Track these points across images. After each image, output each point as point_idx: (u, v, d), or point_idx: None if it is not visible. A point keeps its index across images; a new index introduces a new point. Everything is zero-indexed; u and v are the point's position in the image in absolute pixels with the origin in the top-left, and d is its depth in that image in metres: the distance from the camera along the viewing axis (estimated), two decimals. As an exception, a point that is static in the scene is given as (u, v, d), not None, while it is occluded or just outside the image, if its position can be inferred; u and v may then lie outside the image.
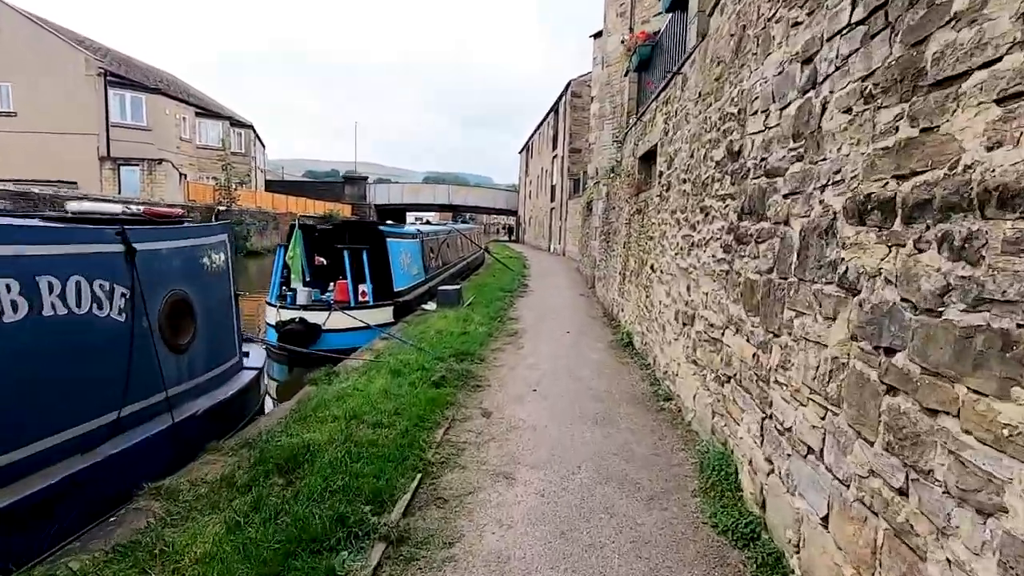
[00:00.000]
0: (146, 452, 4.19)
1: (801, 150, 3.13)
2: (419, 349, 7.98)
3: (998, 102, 1.66)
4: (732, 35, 4.68)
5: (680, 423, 5.42)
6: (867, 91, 2.42)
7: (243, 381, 5.89)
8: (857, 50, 2.53)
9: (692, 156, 5.84)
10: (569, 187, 29.74)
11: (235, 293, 5.99)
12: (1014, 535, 1.52)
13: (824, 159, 2.83)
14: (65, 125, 28.85)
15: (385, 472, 4.06)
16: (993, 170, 1.66)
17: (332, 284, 11.24)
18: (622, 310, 10.27)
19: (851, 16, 2.59)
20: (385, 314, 11.08)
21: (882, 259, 2.22)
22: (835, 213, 2.66)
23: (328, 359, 8.18)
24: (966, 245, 1.75)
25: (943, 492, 1.80)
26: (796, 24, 3.29)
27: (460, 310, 11.44)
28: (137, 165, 29.69)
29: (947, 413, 1.80)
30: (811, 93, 3.04)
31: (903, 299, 2.06)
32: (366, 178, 55.81)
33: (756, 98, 3.99)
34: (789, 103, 3.35)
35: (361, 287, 11.00)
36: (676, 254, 6.28)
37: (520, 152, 55.48)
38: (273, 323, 10.12)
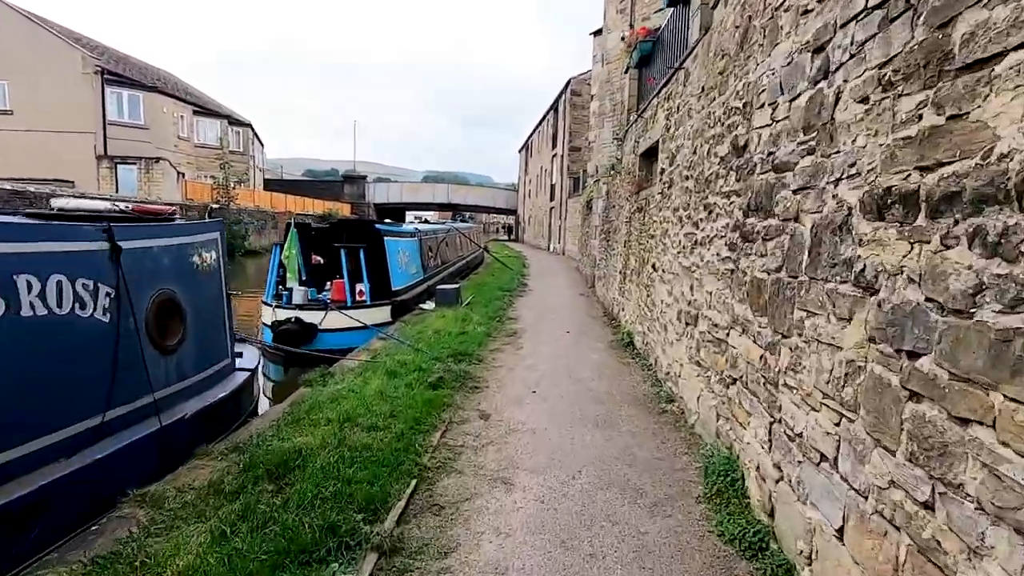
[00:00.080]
0: (132, 457, 4.05)
1: (812, 143, 2.99)
2: (416, 349, 7.84)
3: (1038, 84, 1.53)
4: (737, 27, 4.54)
5: (683, 426, 5.28)
6: (886, 78, 2.29)
7: (235, 383, 5.75)
8: (874, 36, 2.39)
9: (695, 152, 5.70)
10: (569, 186, 29.59)
11: (227, 293, 5.85)
12: (1059, 558, 1.38)
13: (837, 152, 2.69)
14: (62, 124, 28.66)
15: (379, 478, 3.92)
16: (1033, 159, 1.52)
17: (329, 283, 11.10)
18: (623, 309, 10.13)
19: (867, 0, 2.45)
20: (382, 314, 10.94)
21: (904, 256, 2.08)
22: (850, 208, 2.53)
23: (324, 359, 8.04)
24: (1002, 240, 1.61)
25: (976, 508, 1.66)
26: (806, 12, 3.15)
27: (459, 310, 11.30)
28: (134, 164, 29.48)
29: (980, 423, 1.66)
30: (823, 83, 2.91)
31: (928, 299, 1.93)
32: (365, 177, 55.69)
33: (763, 91, 3.85)
34: (799, 94, 3.22)
35: (358, 286, 10.86)
36: (678, 252, 6.14)
37: (519, 151, 55.31)
38: (269, 323, 9.98)
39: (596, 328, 10.36)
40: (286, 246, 10.59)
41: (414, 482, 3.99)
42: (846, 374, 2.47)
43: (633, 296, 9.03)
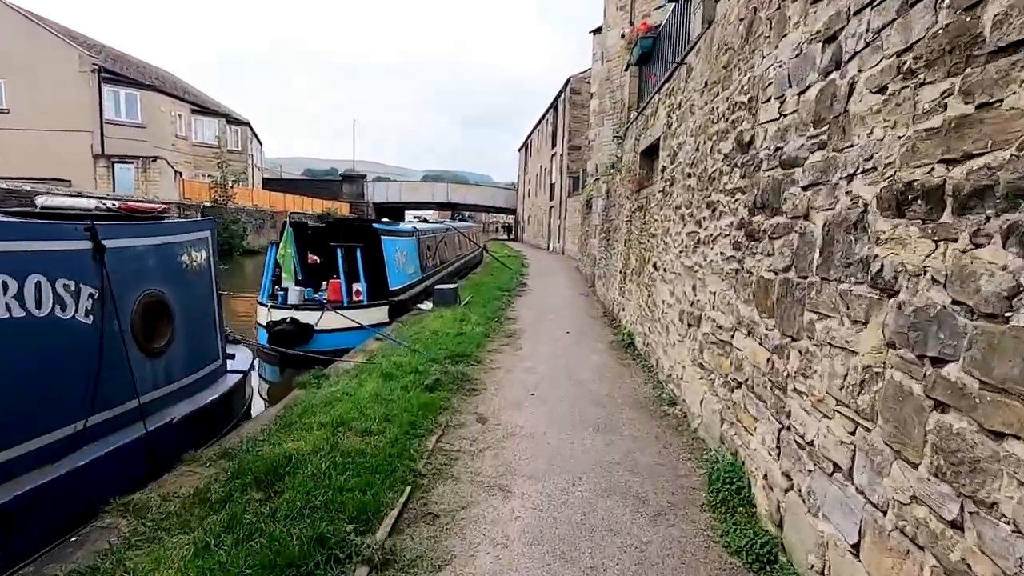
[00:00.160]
0: (116, 463, 3.91)
1: (823, 137, 2.85)
2: (413, 351, 7.70)
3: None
4: (742, 19, 4.41)
5: (686, 430, 5.14)
6: (905, 67, 2.15)
7: (227, 385, 5.61)
8: (892, 21, 2.25)
9: (698, 149, 5.56)
10: (568, 185, 29.45)
11: (218, 293, 5.71)
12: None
13: (851, 145, 2.56)
14: (59, 122, 28.48)
15: (372, 485, 3.78)
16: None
17: (326, 283, 10.96)
18: (623, 310, 10.00)
19: (885, -16, 2.31)
20: (380, 314, 10.80)
21: (927, 256, 1.94)
22: (866, 205, 2.39)
23: (319, 360, 7.90)
24: (1043, 238, 1.47)
25: (1012, 531, 1.52)
26: (816, 0, 3.01)
27: (457, 310, 11.16)
28: (132, 163, 29.30)
29: (1017, 437, 1.53)
30: (835, 74, 2.77)
31: (955, 302, 1.79)
32: (364, 176, 55.49)
33: (769, 84, 3.71)
34: (808, 87, 3.08)
35: (355, 286, 10.72)
36: (680, 252, 6.00)
37: (519, 150, 55.15)
38: (264, 323, 9.84)
39: (596, 328, 10.23)
40: (282, 245, 10.45)
41: (408, 489, 3.85)
42: (862, 380, 2.33)
43: (634, 296, 8.90)
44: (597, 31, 20.02)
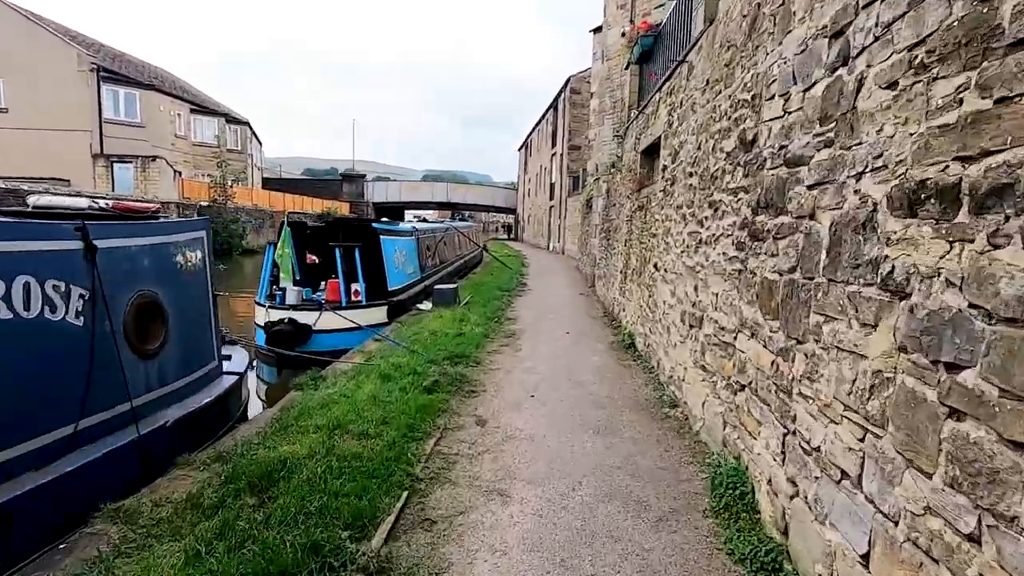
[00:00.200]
0: (107, 468, 3.84)
1: (830, 134, 2.78)
2: (412, 351, 7.63)
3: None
4: (745, 16, 4.33)
5: (687, 432, 5.07)
6: (917, 61, 2.07)
7: (222, 387, 5.54)
8: (903, 15, 2.17)
9: (699, 148, 5.49)
10: (568, 184, 29.37)
11: (214, 293, 5.63)
12: None
13: (859, 143, 2.48)
14: (58, 122, 28.40)
15: (368, 490, 3.71)
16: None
17: (324, 283, 10.88)
18: (623, 310, 9.92)
19: (896, -24, 2.24)
20: (378, 314, 10.72)
21: (941, 257, 1.87)
22: (875, 204, 2.31)
23: (317, 361, 7.83)
24: (1068, 239, 1.40)
25: (1035, 546, 1.45)
26: (823, -6, 2.94)
27: (456, 310, 11.09)
28: (131, 162, 29.21)
29: (1040, 448, 1.45)
30: (842, 70, 2.69)
31: (972, 305, 1.71)
32: (364, 176, 55.43)
33: (773, 81, 3.64)
34: (814, 83, 3.00)
35: (354, 286, 10.64)
36: (682, 252, 5.93)
37: (519, 150, 55.06)
38: (262, 323, 9.76)
39: (596, 329, 10.15)
40: (279, 245, 10.38)
41: (405, 494, 3.78)
42: (872, 385, 2.26)
43: (634, 296, 8.83)
44: (597, 30, 19.95)
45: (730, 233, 4.38)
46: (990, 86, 1.70)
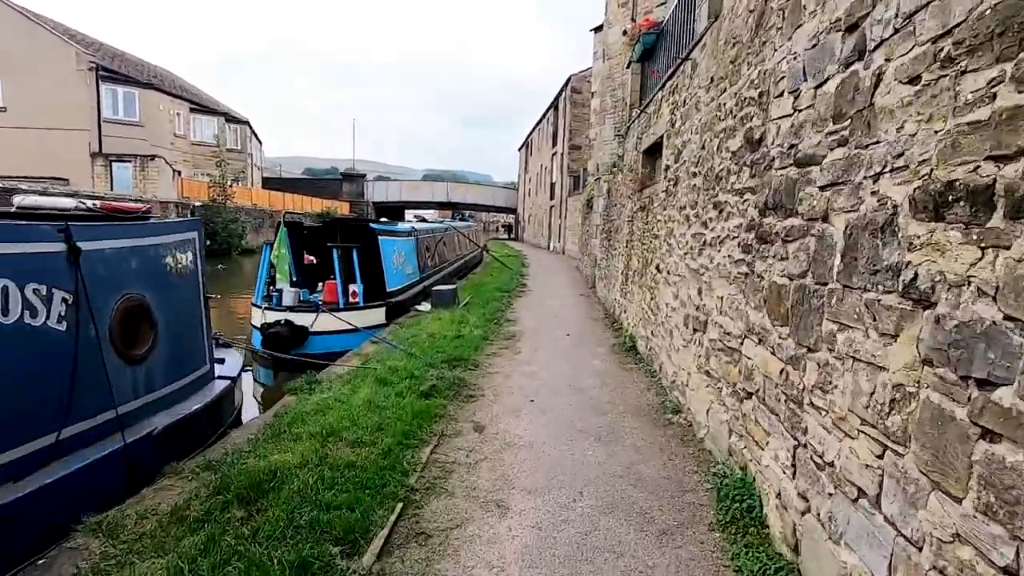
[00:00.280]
0: (90, 478, 3.70)
1: (844, 133, 2.64)
2: (409, 354, 7.50)
3: None
4: (751, 11, 4.20)
5: (691, 440, 4.93)
6: (943, 54, 1.93)
7: (214, 392, 5.40)
8: (927, 4, 2.04)
9: (703, 147, 5.35)
10: (569, 184, 29.23)
11: (205, 296, 5.49)
12: None
13: (877, 142, 2.34)
14: (56, 121, 28.25)
15: (361, 502, 3.58)
16: None
17: (321, 284, 10.75)
18: (624, 311, 9.79)
19: (918, -36, 2.10)
20: (376, 315, 10.59)
21: (972, 265, 1.73)
22: (895, 206, 2.18)
23: (312, 364, 7.69)
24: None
25: (1085, 587, 1.31)
26: (836, -14, 2.80)
27: (455, 311, 10.95)
28: (130, 161, 29.07)
29: (1090, 478, 1.32)
30: (858, 65, 2.56)
31: (1008, 317, 1.58)
32: (364, 175, 55.32)
33: (782, 78, 3.50)
34: (827, 79, 2.87)
35: (351, 287, 10.51)
36: (685, 253, 5.79)
37: (519, 149, 54.90)
38: (258, 325, 9.63)
39: (597, 331, 10.02)
40: (275, 245, 10.24)
41: (399, 506, 3.64)
42: (892, 400, 2.12)
43: (636, 298, 8.69)
44: (598, 29, 19.79)
45: (736, 235, 4.24)
46: (1028, 79, 1.56)
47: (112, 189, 27.54)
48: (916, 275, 2.01)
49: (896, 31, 2.24)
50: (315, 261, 11.11)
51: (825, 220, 2.79)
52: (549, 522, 3.57)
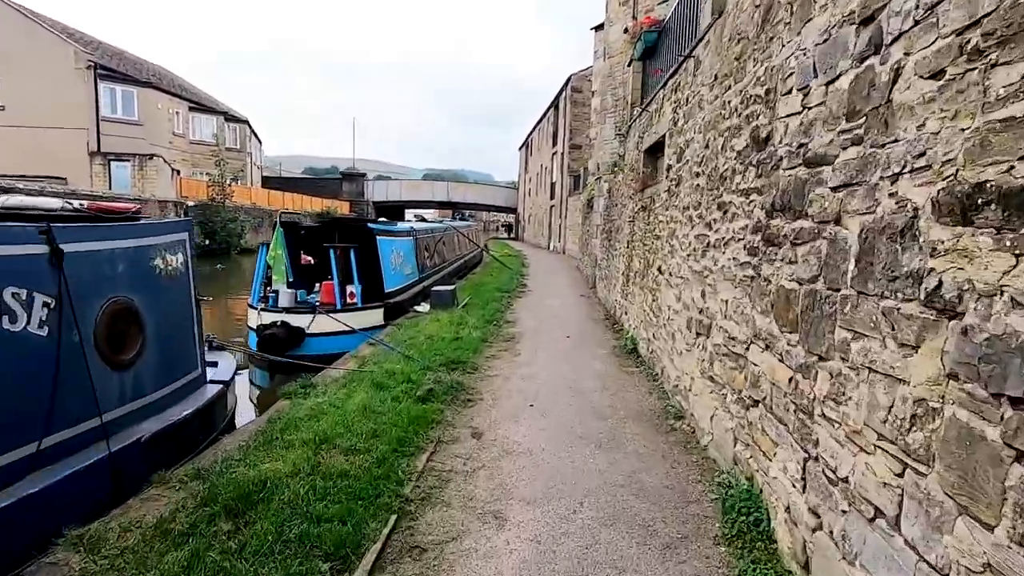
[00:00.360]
0: (74, 489, 3.58)
1: (859, 131, 2.51)
2: (407, 357, 7.37)
3: None
4: (757, 6, 4.06)
5: (695, 447, 4.80)
6: (970, 46, 1.81)
7: (205, 397, 5.27)
8: (952, -7, 1.91)
9: (707, 146, 5.22)
10: (569, 184, 29.09)
11: (197, 298, 5.36)
12: None
13: (895, 140, 2.21)
14: (54, 119, 28.11)
15: (353, 514, 3.45)
16: None
17: (318, 285, 10.62)
18: (625, 313, 9.66)
19: (941, -50, 1.97)
20: (374, 317, 10.47)
21: (1005, 273, 1.60)
22: (916, 209, 2.05)
23: (307, 367, 7.56)
24: None
25: None
26: (850, -23, 2.67)
27: (454, 312, 10.82)
28: (128, 160, 28.92)
29: None
30: (873, 59, 2.42)
31: (1048, 331, 1.45)
32: (364, 175, 55.20)
33: (790, 74, 3.37)
34: (839, 75, 2.74)
35: (349, 288, 10.38)
36: (688, 255, 5.66)
37: (520, 149, 54.76)
38: (254, 327, 9.50)
39: (598, 332, 9.89)
40: (272, 246, 10.11)
41: (393, 518, 3.51)
42: (913, 415, 1.99)
43: (637, 300, 8.56)
44: (599, 27, 19.67)
45: (741, 237, 4.11)
46: (1070, 72, 1.43)
47: (110, 188, 27.42)
48: (940, 283, 1.88)
49: (916, 23, 2.11)
50: (312, 261, 10.97)
51: (838, 223, 2.66)
52: (548, 535, 3.45)
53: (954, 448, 1.77)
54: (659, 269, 7.04)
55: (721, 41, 4.94)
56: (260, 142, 49.28)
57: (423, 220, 24.92)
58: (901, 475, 2.06)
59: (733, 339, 4.19)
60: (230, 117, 40.84)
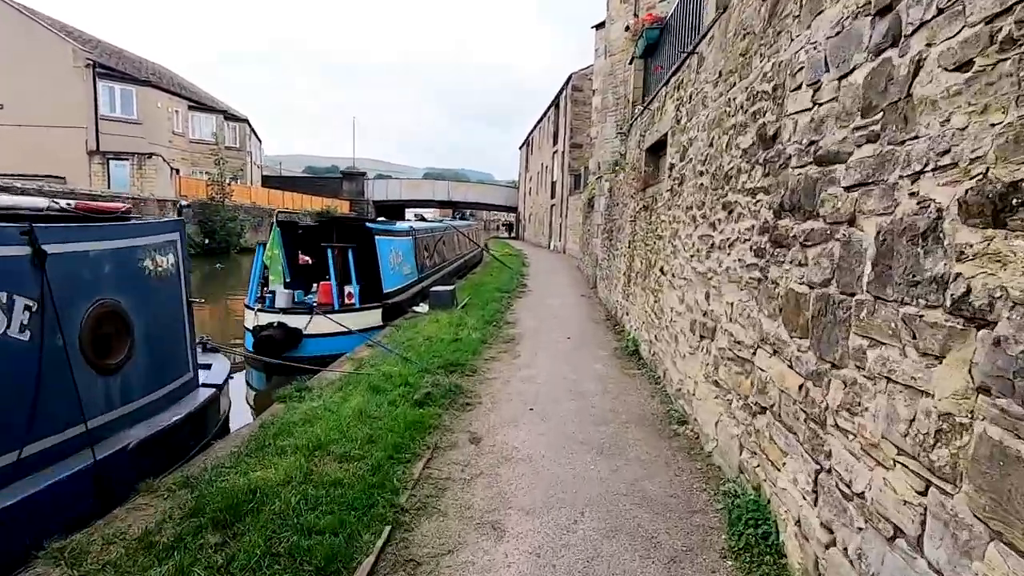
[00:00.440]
0: (57, 498, 3.45)
1: (875, 127, 2.38)
2: (404, 359, 7.24)
3: None
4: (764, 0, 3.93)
5: (699, 454, 4.68)
6: (1003, 34, 1.68)
7: (197, 401, 5.15)
8: (980, -21, 1.78)
9: (711, 145, 5.09)
10: (570, 183, 28.96)
11: (189, 300, 5.24)
12: None
13: (916, 137, 2.09)
14: (53, 118, 27.99)
15: (346, 525, 3.33)
16: None
17: (316, 285, 10.50)
18: (627, 314, 9.53)
19: (968, -67, 1.84)
20: (373, 317, 10.35)
21: (1044, 280, 1.47)
22: (940, 210, 1.92)
23: (304, 369, 7.44)
24: None
25: None
26: (865, -34, 2.54)
27: (453, 313, 10.69)
28: (127, 159, 28.81)
29: None
30: (891, 52, 2.29)
31: (1096, 345, 1.32)
32: (364, 174, 55.06)
33: (800, 69, 3.24)
34: (853, 69, 2.61)
35: (347, 288, 10.26)
36: (692, 256, 5.53)
37: (520, 148, 54.61)
38: (250, 327, 9.38)
39: (599, 334, 9.76)
40: (269, 245, 9.99)
41: (388, 529, 3.39)
42: (938, 430, 1.86)
43: (638, 300, 8.43)
44: (600, 26, 19.53)
45: (747, 238, 3.98)
46: (1120, 60, 1.30)
47: (109, 187, 27.30)
48: (968, 289, 1.75)
49: (940, 11, 1.98)
50: (310, 261, 10.86)
51: (852, 224, 2.54)
52: (548, 547, 3.32)
53: (985, 468, 1.64)
54: (661, 270, 6.91)
55: (726, 37, 4.80)
56: (260, 141, 49.15)
57: (423, 219, 24.77)
58: (924, 493, 1.93)
59: (739, 343, 4.06)
60: (230, 116, 40.72)
